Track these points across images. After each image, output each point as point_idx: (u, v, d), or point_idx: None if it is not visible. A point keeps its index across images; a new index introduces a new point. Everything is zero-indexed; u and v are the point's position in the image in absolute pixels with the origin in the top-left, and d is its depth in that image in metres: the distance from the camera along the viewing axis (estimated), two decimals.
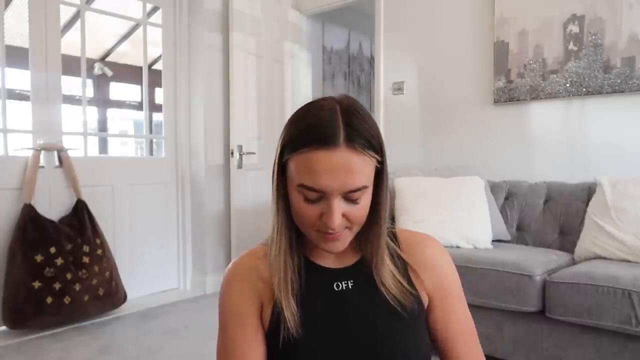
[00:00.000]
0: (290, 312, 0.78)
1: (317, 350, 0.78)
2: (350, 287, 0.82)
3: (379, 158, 0.74)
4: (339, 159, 0.70)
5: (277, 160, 0.78)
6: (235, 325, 0.82)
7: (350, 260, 0.84)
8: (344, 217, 0.74)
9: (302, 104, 0.78)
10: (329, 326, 0.79)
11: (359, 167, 0.71)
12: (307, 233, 0.78)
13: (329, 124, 0.71)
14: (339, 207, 0.73)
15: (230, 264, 0.87)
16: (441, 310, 0.84)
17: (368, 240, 0.81)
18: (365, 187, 0.73)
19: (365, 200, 0.75)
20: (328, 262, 0.85)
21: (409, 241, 0.87)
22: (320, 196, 0.73)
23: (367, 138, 0.72)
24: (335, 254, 0.81)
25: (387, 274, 0.81)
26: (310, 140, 0.71)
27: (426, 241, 0.88)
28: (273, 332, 0.80)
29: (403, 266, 0.84)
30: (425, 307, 0.84)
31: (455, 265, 0.88)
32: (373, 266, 0.81)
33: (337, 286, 0.82)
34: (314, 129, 0.71)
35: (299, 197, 0.74)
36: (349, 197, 0.73)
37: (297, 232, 0.82)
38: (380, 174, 0.77)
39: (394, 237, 0.87)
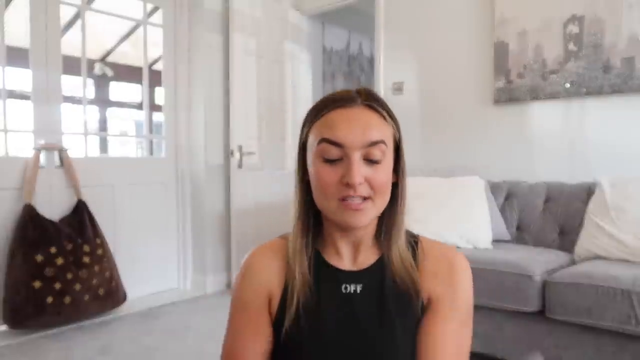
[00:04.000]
0: (295, 309, 0.80)
1: (314, 348, 0.79)
2: (358, 291, 0.81)
3: (395, 127, 0.81)
4: (356, 114, 0.77)
5: (298, 143, 0.83)
6: (240, 311, 0.85)
7: (365, 263, 0.83)
8: (366, 181, 0.75)
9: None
10: (329, 327, 0.80)
11: (376, 122, 0.77)
12: (328, 209, 0.78)
13: (346, 93, 0.80)
14: (360, 164, 0.75)
15: (248, 254, 0.89)
16: (430, 318, 0.80)
17: (387, 221, 0.82)
18: (384, 143, 0.76)
19: (386, 164, 0.77)
20: (342, 263, 0.84)
21: (431, 249, 0.85)
22: (341, 155, 0.75)
23: (383, 105, 0.80)
24: (357, 225, 0.78)
25: (399, 261, 0.80)
26: (328, 104, 0.79)
27: (449, 252, 0.85)
28: (278, 323, 0.82)
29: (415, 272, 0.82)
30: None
31: None
32: (389, 247, 0.81)
33: (345, 288, 0.82)
34: (332, 98, 0.80)
35: (319, 162, 0.77)
36: (369, 155, 0.75)
37: (314, 227, 0.84)
38: (398, 151, 0.82)
39: (415, 244, 0.85)
